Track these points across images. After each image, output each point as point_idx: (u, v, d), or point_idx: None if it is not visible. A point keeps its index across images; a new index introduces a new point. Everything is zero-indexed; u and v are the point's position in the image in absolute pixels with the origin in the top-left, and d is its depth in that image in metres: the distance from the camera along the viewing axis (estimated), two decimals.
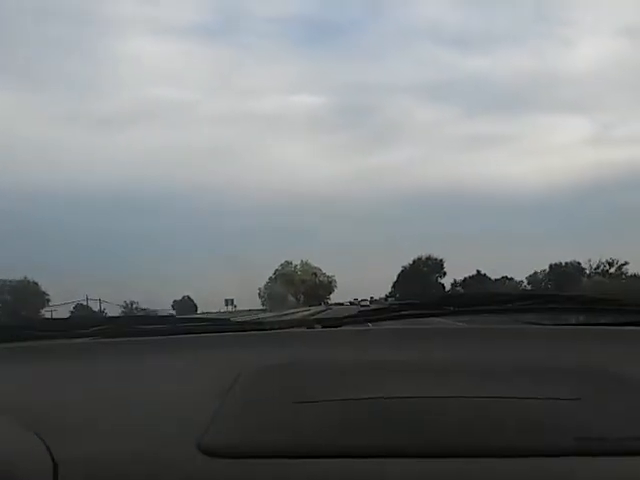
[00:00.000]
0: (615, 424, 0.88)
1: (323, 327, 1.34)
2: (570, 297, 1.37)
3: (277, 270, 59.26)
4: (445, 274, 62.47)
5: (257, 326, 1.38)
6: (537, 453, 0.85)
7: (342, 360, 1.07)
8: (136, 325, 1.40)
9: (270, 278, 55.20)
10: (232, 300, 44.39)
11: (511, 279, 57.55)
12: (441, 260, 59.85)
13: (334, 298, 60.66)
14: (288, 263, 59.12)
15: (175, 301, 52.29)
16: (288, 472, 0.84)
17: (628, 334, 1.22)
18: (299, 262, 58.89)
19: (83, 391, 1.03)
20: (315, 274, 58.73)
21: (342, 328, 1.34)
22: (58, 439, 0.89)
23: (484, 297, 1.48)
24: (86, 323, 1.38)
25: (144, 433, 0.91)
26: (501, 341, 1.19)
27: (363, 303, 46.52)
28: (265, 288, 55.32)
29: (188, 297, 52.97)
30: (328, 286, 58.52)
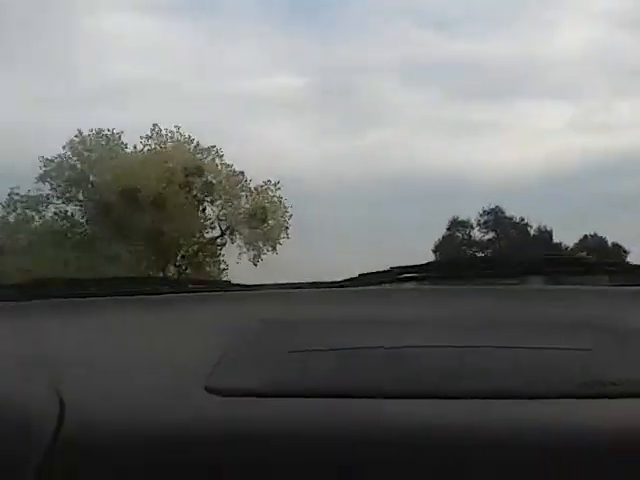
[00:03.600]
0: (625, 370, 0.94)
1: (325, 288, 1.39)
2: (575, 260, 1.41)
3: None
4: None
5: (257, 288, 1.45)
6: (545, 395, 0.90)
7: (341, 316, 1.14)
8: (140, 286, 1.49)
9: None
10: None
11: None
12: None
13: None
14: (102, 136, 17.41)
15: None
16: (285, 408, 0.91)
17: (633, 293, 1.26)
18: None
19: (102, 341, 1.12)
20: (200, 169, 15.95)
21: (343, 289, 1.37)
22: (69, 380, 0.96)
23: (486, 261, 1.51)
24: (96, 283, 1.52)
25: (153, 376, 0.99)
26: (507, 299, 1.25)
27: None
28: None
29: None
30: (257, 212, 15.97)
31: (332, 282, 1.42)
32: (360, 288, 1.37)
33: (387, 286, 1.39)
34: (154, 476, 0.86)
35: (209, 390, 0.92)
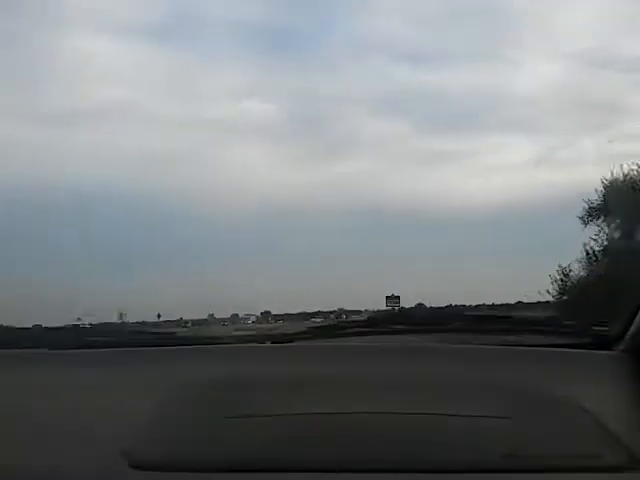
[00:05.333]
0: (542, 442, 0.95)
1: (273, 343, 1.38)
2: (504, 318, 1.43)
3: None
4: None
5: (207, 340, 1.42)
6: (466, 469, 0.91)
7: (283, 376, 1.11)
8: (79, 336, 1.41)
9: None
10: None
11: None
12: None
13: None
14: None
15: None
16: None
17: (562, 356, 1.26)
18: None
19: (16, 401, 1.05)
20: None
21: (291, 344, 1.37)
22: None
23: (429, 316, 1.52)
24: (32, 334, 1.41)
25: (72, 445, 0.94)
26: (438, 359, 1.23)
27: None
28: None
29: None
30: None
31: (279, 336, 1.41)
32: (306, 344, 1.36)
33: (335, 341, 1.38)
34: None
35: (133, 466, 0.90)
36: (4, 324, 1.50)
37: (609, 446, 0.95)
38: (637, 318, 1.20)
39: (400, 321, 1.48)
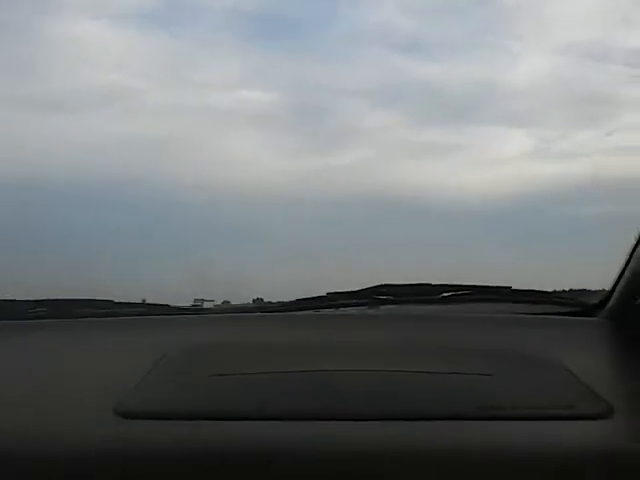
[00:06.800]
0: (521, 395, 1.02)
1: (262, 312, 1.43)
2: (491, 289, 1.48)
3: None
4: None
5: (196, 311, 1.51)
6: (445, 417, 0.97)
7: (266, 340, 1.18)
8: (74, 308, 1.46)
9: None
10: None
11: None
12: None
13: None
14: None
15: None
16: (196, 431, 0.94)
17: (547, 322, 1.34)
18: None
19: (15, 367, 1.13)
20: None
21: (276, 313, 1.42)
22: None
23: (418, 288, 1.55)
24: (25, 305, 1.45)
25: (65, 401, 1.01)
26: (428, 326, 1.30)
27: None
28: None
29: None
30: None
31: (264, 305, 1.47)
32: (294, 313, 1.41)
33: (322, 311, 1.44)
34: None
35: (118, 413, 0.96)
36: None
37: (586, 398, 1.01)
38: (617, 288, 1.30)
39: (386, 292, 1.50)
